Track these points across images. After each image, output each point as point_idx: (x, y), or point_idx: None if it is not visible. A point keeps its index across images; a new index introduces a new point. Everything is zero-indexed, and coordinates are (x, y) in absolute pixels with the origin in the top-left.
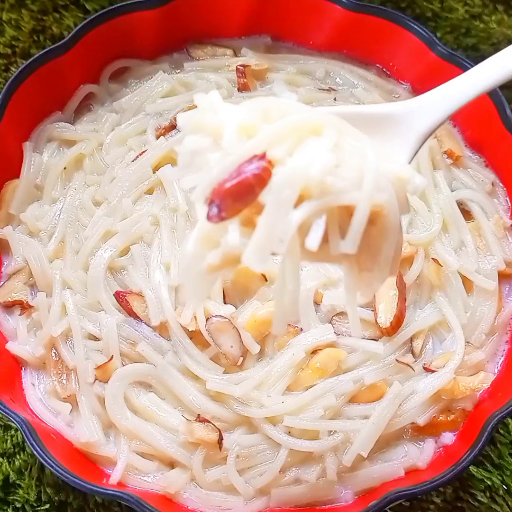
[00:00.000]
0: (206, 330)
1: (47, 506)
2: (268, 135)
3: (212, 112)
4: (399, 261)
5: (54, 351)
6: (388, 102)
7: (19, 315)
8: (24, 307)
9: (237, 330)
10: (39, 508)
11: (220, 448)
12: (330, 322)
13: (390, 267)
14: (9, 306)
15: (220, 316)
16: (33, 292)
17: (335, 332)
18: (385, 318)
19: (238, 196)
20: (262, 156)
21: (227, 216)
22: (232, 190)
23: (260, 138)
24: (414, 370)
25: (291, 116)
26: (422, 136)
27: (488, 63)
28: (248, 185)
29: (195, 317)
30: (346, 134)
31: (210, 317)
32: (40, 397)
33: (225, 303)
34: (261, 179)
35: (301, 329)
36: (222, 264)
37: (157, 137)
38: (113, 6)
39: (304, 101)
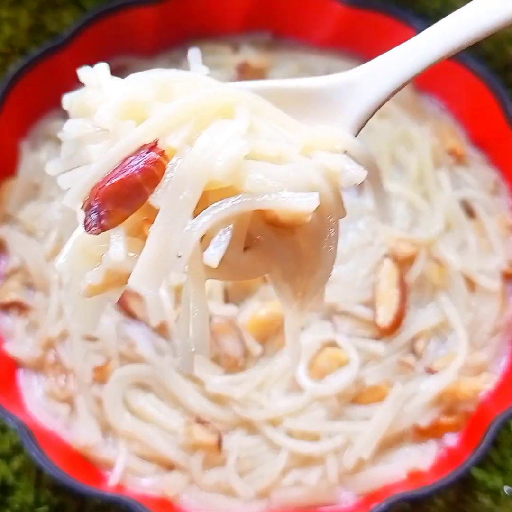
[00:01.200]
0: None
1: (46, 508)
2: (162, 118)
3: (98, 90)
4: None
5: (52, 352)
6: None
7: (16, 315)
8: (21, 307)
9: (238, 331)
10: (37, 510)
11: (220, 450)
12: (330, 321)
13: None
14: (6, 307)
15: (222, 316)
16: (30, 292)
17: (335, 330)
18: (384, 318)
19: (122, 199)
20: (153, 146)
21: (109, 225)
22: (114, 191)
23: (150, 122)
24: (415, 371)
25: (193, 94)
26: (363, 115)
27: (445, 23)
28: (134, 184)
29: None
30: (264, 115)
31: (212, 318)
32: (37, 399)
33: (226, 302)
34: (151, 176)
35: (302, 329)
36: (106, 285)
37: None
38: (112, 3)
39: None
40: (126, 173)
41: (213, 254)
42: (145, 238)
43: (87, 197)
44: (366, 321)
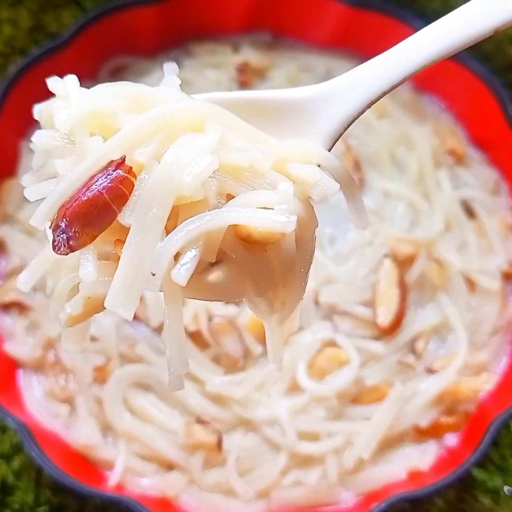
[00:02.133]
0: (208, 330)
1: (46, 507)
2: (129, 132)
3: (66, 101)
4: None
5: (52, 352)
6: (384, 102)
7: (17, 315)
8: (21, 307)
9: (239, 331)
10: (37, 510)
11: (220, 450)
12: (330, 321)
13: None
14: (6, 307)
15: (222, 316)
16: (30, 292)
17: (335, 330)
18: (384, 318)
19: (90, 219)
20: (120, 163)
21: (77, 245)
22: (81, 211)
23: (117, 138)
24: (415, 371)
25: (161, 107)
26: (338, 128)
27: (422, 36)
28: (101, 204)
29: (196, 318)
30: (235, 130)
31: (212, 318)
32: (37, 399)
33: (226, 302)
34: (119, 195)
35: (302, 328)
36: (86, 313)
37: None
38: (111, 3)
39: None
40: (93, 192)
41: (180, 273)
42: (117, 260)
43: (55, 217)
44: (366, 321)
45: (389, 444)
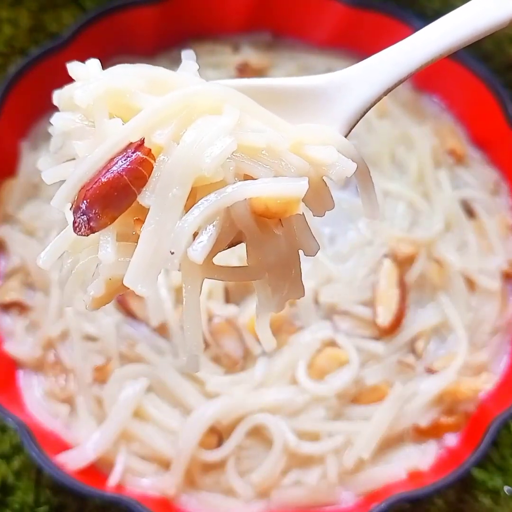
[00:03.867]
0: (208, 331)
1: (46, 507)
2: (148, 115)
3: (85, 84)
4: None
5: (52, 352)
6: (384, 102)
7: (17, 315)
8: (21, 307)
9: (239, 331)
10: (37, 510)
11: (220, 450)
12: (330, 320)
13: (301, 282)
14: (6, 307)
15: (222, 316)
16: (30, 292)
17: (335, 330)
18: (384, 318)
19: (110, 200)
20: (139, 145)
21: (97, 227)
22: (102, 192)
23: (136, 120)
24: (415, 371)
25: (181, 90)
26: (354, 115)
27: (439, 24)
28: (121, 186)
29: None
30: (250, 113)
31: (212, 318)
32: (37, 399)
33: (227, 302)
34: (139, 176)
35: (302, 328)
36: (109, 294)
37: None
38: (111, 3)
39: None
40: (113, 174)
41: (196, 250)
42: (136, 241)
43: (75, 199)
44: (366, 321)
45: (389, 444)
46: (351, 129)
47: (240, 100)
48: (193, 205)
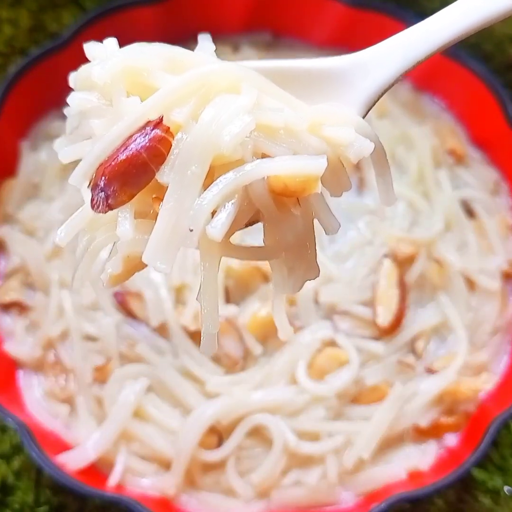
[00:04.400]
0: None
1: (46, 507)
2: (166, 93)
3: (104, 62)
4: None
5: (52, 352)
6: (384, 102)
7: (17, 315)
8: (21, 307)
9: (239, 331)
10: (37, 510)
11: (220, 450)
12: (330, 320)
13: (316, 262)
14: (6, 306)
15: (222, 316)
16: (30, 292)
17: (335, 330)
18: (384, 318)
19: (129, 178)
20: (158, 123)
21: (116, 204)
22: (120, 170)
23: (154, 98)
24: (415, 371)
25: (198, 69)
26: (372, 97)
27: (453, 8)
28: (140, 163)
29: (197, 317)
30: (267, 93)
31: None
32: (37, 399)
33: (227, 302)
34: (157, 154)
35: (302, 328)
36: (127, 271)
37: None
38: (111, 3)
39: None
40: (132, 151)
41: (215, 228)
42: (154, 218)
43: (93, 176)
44: (366, 320)
45: (389, 444)
46: (368, 111)
47: (257, 80)
48: (211, 183)
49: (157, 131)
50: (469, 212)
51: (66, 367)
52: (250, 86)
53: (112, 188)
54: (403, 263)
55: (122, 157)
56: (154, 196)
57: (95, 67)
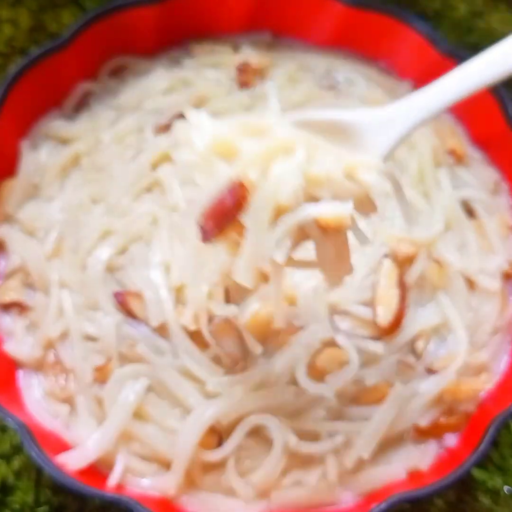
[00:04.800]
0: (208, 331)
1: (46, 507)
2: (245, 160)
3: (198, 128)
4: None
5: (52, 352)
6: (384, 102)
7: (17, 315)
8: (21, 307)
9: (239, 331)
10: (37, 510)
11: (220, 449)
12: (330, 320)
13: (350, 263)
14: (6, 306)
15: (222, 316)
16: (30, 292)
17: (335, 330)
18: (384, 318)
19: (219, 220)
20: (240, 182)
21: (212, 237)
22: (212, 214)
23: (237, 164)
24: (415, 371)
25: (264, 141)
26: (392, 147)
27: (464, 69)
28: (226, 210)
29: (196, 318)
30: (314, 147)
31: (213, 318)
32: (37, 399)
33: (227, 302)
34: (238, 204)
35: (302, 328)
36: (221, 280)
37: (156, 135)
38: (111, 3)
39: (304, 99)
40: (221, 202)
41: (279, 254)
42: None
43: (200, 218)
44: (366, 321)
45: (389, 444)
46: (391, 153)
47: (306, 139)
48: (278, 218)
49: (238, 188)
50: (469, 212)
51: (66, 367)
52: (302, 147)
53: (208, 226)
54: (403, 263)
55: (215, 206)
56: (238, 231)
57: (196, 139)
